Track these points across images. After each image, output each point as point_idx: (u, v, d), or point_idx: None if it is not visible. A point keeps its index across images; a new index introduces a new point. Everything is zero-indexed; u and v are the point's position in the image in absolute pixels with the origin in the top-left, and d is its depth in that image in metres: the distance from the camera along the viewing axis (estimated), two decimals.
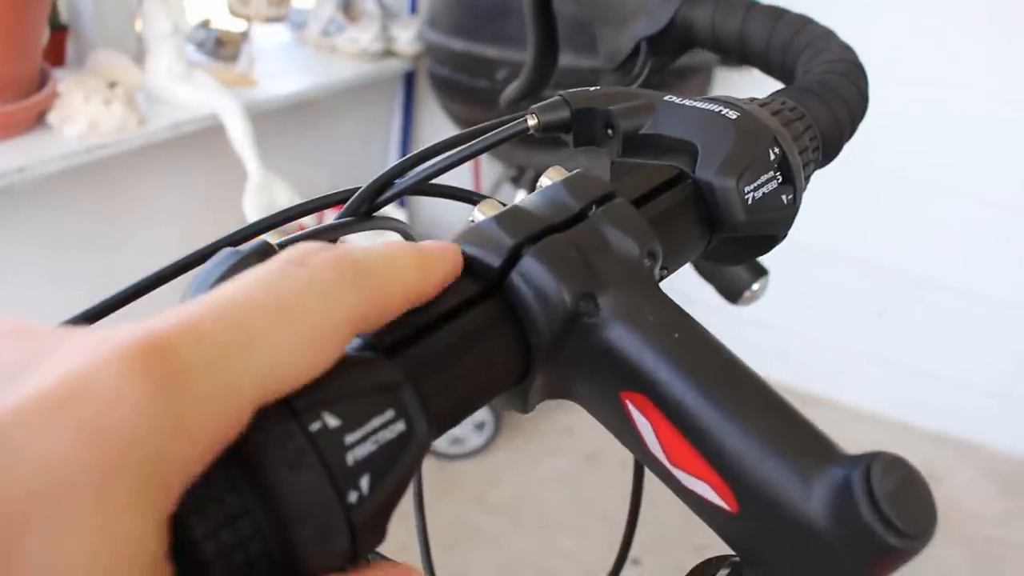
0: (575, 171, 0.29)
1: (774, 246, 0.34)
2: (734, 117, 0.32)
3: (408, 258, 0.23)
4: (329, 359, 0.19)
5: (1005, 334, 1.92)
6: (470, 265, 0.26)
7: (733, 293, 0.51)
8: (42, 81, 1.36)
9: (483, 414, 1.86)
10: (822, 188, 1.94)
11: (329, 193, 0.32)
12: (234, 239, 0.30)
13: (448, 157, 0.32)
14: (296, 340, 0.18)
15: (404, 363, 0.23)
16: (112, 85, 1.39)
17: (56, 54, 1.52)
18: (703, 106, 0.33)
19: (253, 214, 1.53)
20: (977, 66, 1.78)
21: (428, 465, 1.87)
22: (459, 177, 2.10)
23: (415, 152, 0.33)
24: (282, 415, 0.19)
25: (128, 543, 0.14)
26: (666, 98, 0.33)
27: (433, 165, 0.32)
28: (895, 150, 1.89)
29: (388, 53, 1.97)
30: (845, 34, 0.42)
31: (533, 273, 0.25)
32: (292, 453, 0.19)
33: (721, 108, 0.32)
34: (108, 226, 1.57)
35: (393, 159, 2.32)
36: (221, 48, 1.72)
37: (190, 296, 0.24)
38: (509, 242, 0.25)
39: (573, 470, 1.86)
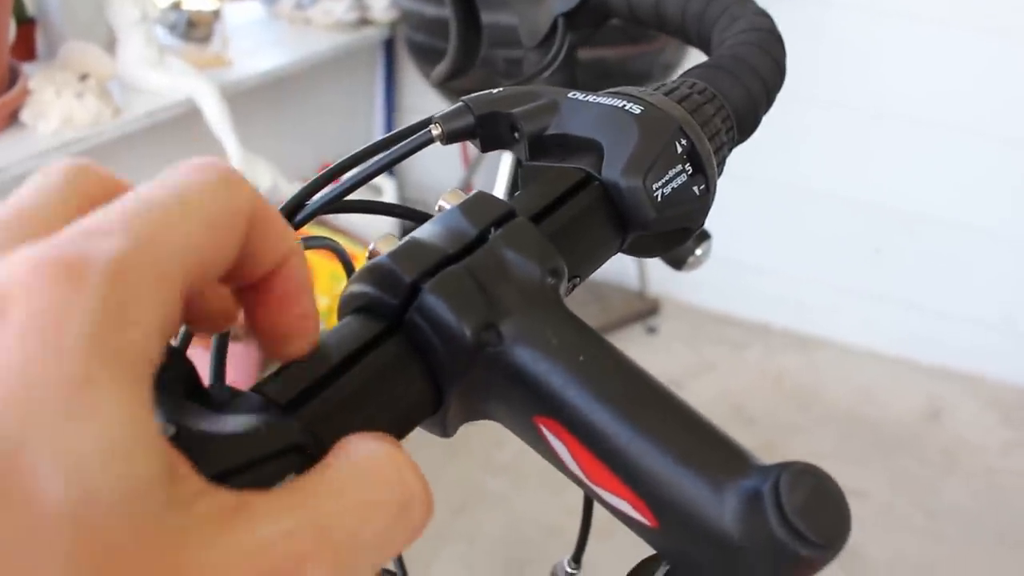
0: (473, 193, 0.28)
1: (691, 236, 0.33)
2: (637, 112, 0.31)
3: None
4: (234, 243, 0.21)
5: (1001, 264, 1.91)
6: (371, 305, 0.26)
7: (677, 261, 0.52)
8: (12, 79, 1.35)
9: None
10: (813, 130, 1.92)
11: None
12: None
13: (357, 174, 0.32)
14: (201, 227, 0.20)
15: (305, 418, 0.23)
16: (84, 77, 1.38)
17: (26, 48, 1.51)
18: (606, 102, 0.32)
19: None
20: None
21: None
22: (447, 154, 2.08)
23: (325, 171, 0.33)
24: None
25: (123, 426, 0.16)
26: (571, 95, 0.33)
27: (342, 184, 0.32)
28: (882, 88, 1.87)
29: (364, 22, 1.94)
30: None
31: (432, 309, 0.25)
32: None
33: (624, 103, 0.31)
34: None
35: (378, 129, 2.30)
36: (193, 29, 1.70)
37: None
38: (406, 280, 0.25)
39: None
